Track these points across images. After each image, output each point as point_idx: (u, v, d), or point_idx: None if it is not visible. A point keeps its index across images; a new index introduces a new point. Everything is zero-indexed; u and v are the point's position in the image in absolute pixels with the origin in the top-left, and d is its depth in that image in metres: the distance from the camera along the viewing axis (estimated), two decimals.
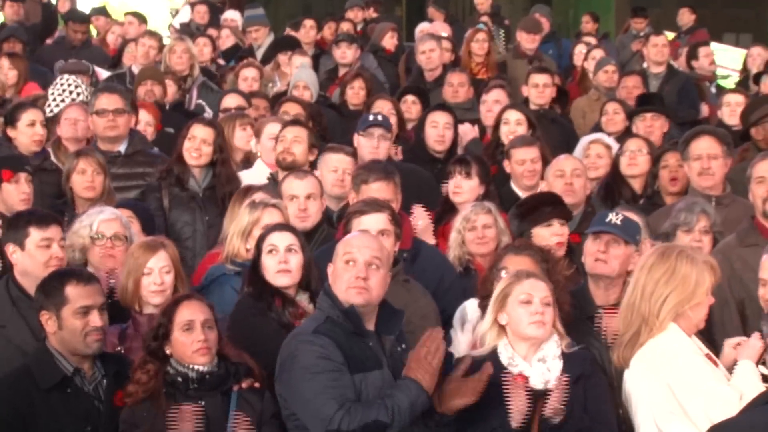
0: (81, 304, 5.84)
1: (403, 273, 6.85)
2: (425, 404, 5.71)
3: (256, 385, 5.94)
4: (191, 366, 5.84)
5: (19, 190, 7.80)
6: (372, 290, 5.84)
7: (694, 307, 5.92)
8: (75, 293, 5.85)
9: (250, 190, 8.01)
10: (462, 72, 12.22)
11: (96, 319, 5.87)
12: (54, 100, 10.66)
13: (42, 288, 5.99)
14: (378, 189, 7.57)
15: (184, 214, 8.53)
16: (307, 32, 16.35)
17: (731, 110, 11.10)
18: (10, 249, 6.68)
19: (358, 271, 5.82)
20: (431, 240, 7.96)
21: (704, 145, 8.49)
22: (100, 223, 7.12)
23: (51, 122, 10.10)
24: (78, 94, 10.67)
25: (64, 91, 10.69)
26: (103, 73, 13.30)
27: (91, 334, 5.86)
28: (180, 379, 5.81)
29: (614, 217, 6.67)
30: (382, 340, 5.94)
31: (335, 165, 8.43)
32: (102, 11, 18.80)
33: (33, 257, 6.61)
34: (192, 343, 5.82)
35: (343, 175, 8.27)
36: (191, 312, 5.87)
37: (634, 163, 9.48)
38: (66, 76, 11.30)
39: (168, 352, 5.86)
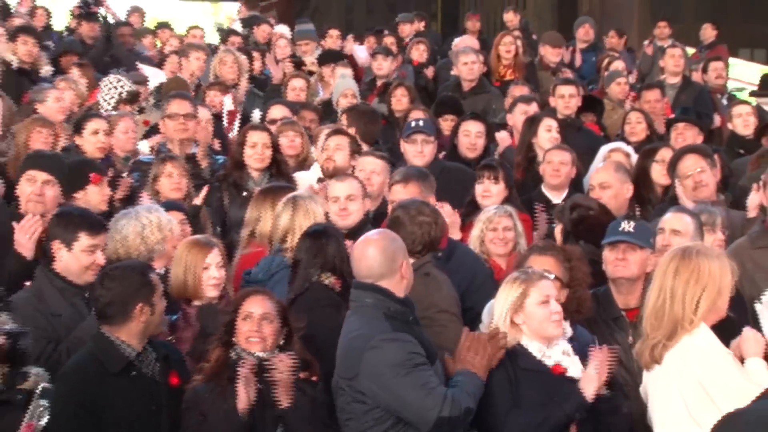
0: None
1: (429, 267, 6.83)
2: (482, 391, 5.80)
3: (314, 378, 5.98)
4: (253, 353, 5.91)
5: (101, 193, 7.95)
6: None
7: (723, 300, 5.89)
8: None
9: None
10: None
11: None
12: (104, 100, 10.84)
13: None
14: (400, 191, 7.70)
15: (242, 211, 8.45)
16: (334, 41, 16.63)
17: (744, 120, 11.03)
18: (56, 245, 6.70)
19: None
20: (457, 235, 7.96)
21: (690, 163, 8.57)
22: (172, 220, 7.30)
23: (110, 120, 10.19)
24: (122, 87, 10.94)
25: (110, 90, 10.91)
26: (154, 75, 13.29)
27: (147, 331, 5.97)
28: (240, 363, 5.87)
29: (627, 226, 6.79)
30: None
31: (363, 167, 8.58)
32: (166, 25, 18.99)
33: (77, 260, 6.67)
34: (247, 332, 5.93)
35: (371, 175, 8.39)
36: (252, 304, 5.99)
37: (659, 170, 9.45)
38: (109, 76, 11.49)
39: (234, 339, 5.96)
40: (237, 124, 11.56)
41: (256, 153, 9.06)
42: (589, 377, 5.80)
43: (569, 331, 6.09)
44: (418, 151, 9.26)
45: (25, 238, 7.06)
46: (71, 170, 7.95)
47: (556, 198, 8.89)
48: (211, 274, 6.76)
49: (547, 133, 10.02)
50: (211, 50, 14.59)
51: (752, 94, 13.97)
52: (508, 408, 5.87)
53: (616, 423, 5.88)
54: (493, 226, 7.80)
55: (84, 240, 6.63)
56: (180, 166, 8.55)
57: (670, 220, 7.22)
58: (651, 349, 5.80)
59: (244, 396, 5.69)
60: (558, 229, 7.60)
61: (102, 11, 16.73)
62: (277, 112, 11.26)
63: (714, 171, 8.56)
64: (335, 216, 7.65)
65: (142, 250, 6.97)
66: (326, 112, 12.28)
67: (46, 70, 13.31)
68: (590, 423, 5.85)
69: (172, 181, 8.44)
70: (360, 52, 16.68)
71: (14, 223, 7.19)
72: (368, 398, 5.73)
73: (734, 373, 5.68)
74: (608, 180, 8.35)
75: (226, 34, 17.99)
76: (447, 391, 5.63)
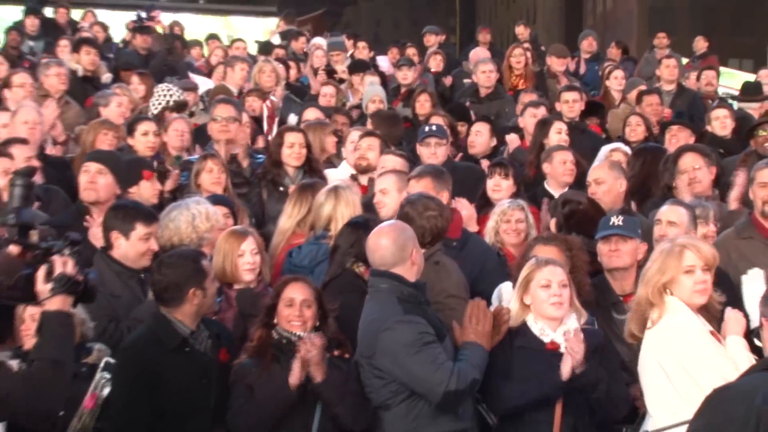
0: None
1: (439, 255, 6.81)
2: (487, 361, 5.82)
3: (346, 355, 6.01)
4: (293, 332, 5.96)
5: (153, 188, 7.97)
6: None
7: (679, 279, 5.90)
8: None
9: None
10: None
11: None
12: (153, 105, 10.91)
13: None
14: (414, 185, 7.61)
15: (279, 205, 8.49)
16: (360, 52, 16.67)
17: (721, 123, 11.03)
18: (115, 235, 6.75)
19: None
20: (474, 228, 7.97)
21: (688, 160, 8.56)
22: (216, 215, 7.28)
23: (159, 122, 10.25)
24: (171, 96, 10.87)
25: (160, 96, 10.93)
26: (202, 83, 13.35)
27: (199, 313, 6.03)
28: (284, 342, 5.95)
29: (616, 220, 6.86)
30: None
31: (385, 164, 8.55)
32: (215, 36, 19.16)
33: (134, 247, 6.72)
34: (289, 316, 5.99)
35: (388, 175, 8.14)
36: (293, 291, 6.06)
37: None
38: (162, 84, 11.55)
39: (275, 321, 6.02)
40: (275, 127, 11.58)
41: (293, 152, 9.07)
42: (565, 358, 5.82)
43: (584, 317, 6.11)
44: (432, 153, 9.26)
45: (98, 230, 7.10)
46: (126, 168, 7.99)
47: (559, 193, 8.78)
48: (245, 260, 6.80)
49: (557, 135, 9.99)
50: (253, 60, 14.60)
51: (733, 98, 13.92)
52: (498, 380, 5.95)
53: (597, 399, 5.87)
54: (506, 218, 7.77)
55: (140, 229, 6.70)
56: (219, 163, 8.56)
57: (666, 212, 7.24)
58: (633, 326, 5.92)
59: (298, 372, 5.72)
60: (552, 223, 7.59)
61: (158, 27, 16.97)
62: (311, 113, 11.35)
63: (711, 169, 8.54)
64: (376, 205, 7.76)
65: (193, 238, 6.97)
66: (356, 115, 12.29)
67: (106, 77, 13.41)
68: (575, 399, 5.87)
69: (212, 176, 8.42)
70: (383, 62, 16.81)
71: (88, 217, 7.27)
72: (385, 374, 5.80)
73: (709, 350, 5.72)
74: (602, 176, 8.34)
75: (264, 46, 18.04)
76: (454, 366, 5.66)
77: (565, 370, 5.78)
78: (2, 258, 4.63)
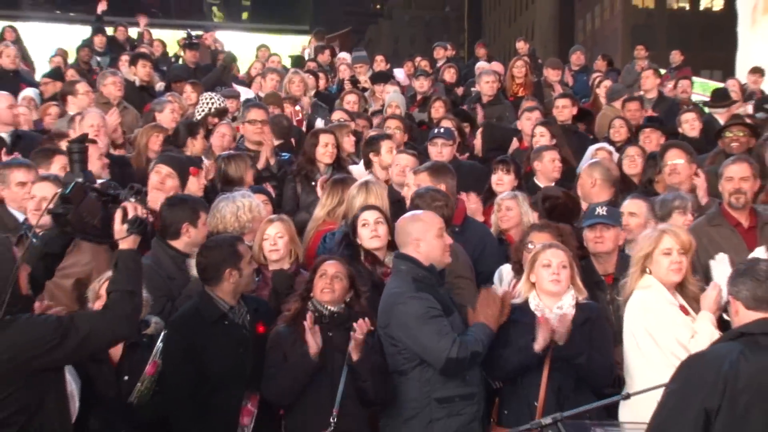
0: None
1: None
2: (492, 338, 5.83)
3: (371, 328, 5.92)
4: (325, 306, 5.94)
5: (199, 183, 7.93)
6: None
7: (657, 259, 6.03)
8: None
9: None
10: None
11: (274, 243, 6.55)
12: (198, 111, 10.91)
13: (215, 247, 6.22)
14: (418, 179, 7.62)
15: (311, 197, 8.52)
16: (378, 64, 16.62)
17: (690, 125, 11.02)
18: (185, 227, 6.70)
19: (447, 239, 6.06)
20: (480, 218, 7.94)
21: (672, 155, 8.53)
22: (260, 204, 7.32)
23: (201, 125, 10.24)
24: (214, 104, 10.85)
25: (203, 104, 10.92)
26: (244, 92, 13.36)
27: (238, 290, 6.09)
28: (316, 313, 5.90)
29: (601, 210, 6.87)
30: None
31: (399, 161, 8.51)
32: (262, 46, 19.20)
33: (201, 233, 6.70)
34: (321, 285, 5.98)
35: (404, 168, 8.25)
36: (328, 266, 6.06)
37: (633, 164, 9.49)
38: (207, 93, 11.52)
39: (311, 294, 6.00)
40: (303, 129, 11.60)
41: (327, 151, 9.05)
42: (539, 332, 5.78)
43: (583, 294, 6.10)
44: (438, 152, 9.22)
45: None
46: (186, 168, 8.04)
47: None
48: (269, 243, 6.83)
49: (544, 138, 10.00)
50: (285, 71, 14.65)
51: (705, 104, 13.92)
52: (492, 350, 5.95)
53: (579, 367, 5.83)
54: (500, 207, 7.78)
55: (204, 217, 6.75)
56: (245, 160, 8.58)
57: (627, 205, 7.35)
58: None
59: (312, 343, 5.70)
60: (535, 216, 7.57)
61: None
62: (336, 115, 11.49)
63: (691, 165, 8.49)
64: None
65: (236, 227, 6.97)
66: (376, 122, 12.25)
67: (159, 86, 13.51)
68: (561, 366, 5.85)
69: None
70: (399, 74, 16.78)
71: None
72: (398, 342, 5.81)
73: (673, 319, 5.82)
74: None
75: (297, 59, 18.07)
76: (457, 337, 5.66)
77: (539, 343, 5.76)
78: (89, 202, 4.80)
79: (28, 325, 4.50)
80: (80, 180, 4.87)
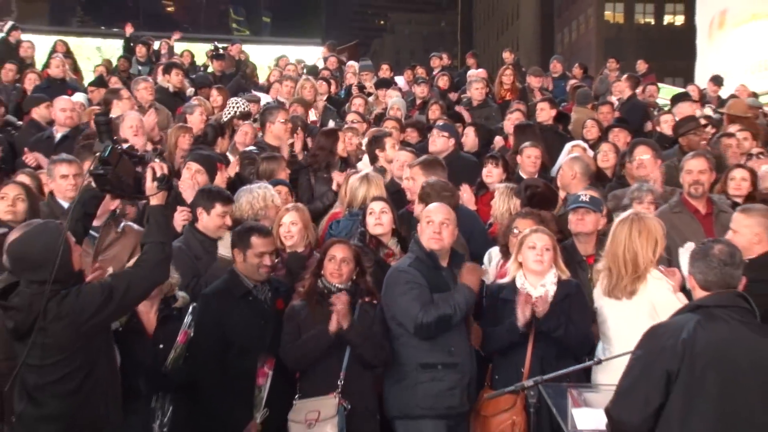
0: (259, 250, 6.03)
1: None
2: (474, 299, 5.86)
3: (374, 301, 5.98)
4: (332, 283, 5.92)
5: (223, 177, 7.94)
6: (444, 240, 6.01)
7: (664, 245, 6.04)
8: (256, 241, 6.04)
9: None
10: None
11: (266, 261, 6.05)
12: (225, 114, 10.91)
13: (237, 237, 6.18)
14: (407, 171, 7.70)
15: (323, 186, 8.52)
16: (384, 72, 16.68)
17: (669, 125, 11.00)
18: (199, 210, 6.78)
19: (435, 227, 5.97)
20: (473, 207, 7.90)
21: (640, 151, 8.49)
22: (275, 194, 7.29)
23: (226, 127, 10.34)
24: (239, 108, 10.86)
25: (230, 107, 10.92)
26: (263, 97, 13.36)
27: (262, 270, 6.04)
28: (325, 291, 5.90)
29: (584, 197, 6.82)
30: (453, 272, 6.02)
31: (398, 158, 8.49)
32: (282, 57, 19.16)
33: (213, 221, 6.74)
34: (331, 269, 5.96)
35: (404, 164, 8.17)
36: (336, 250, 6.02)
37: (606, 159, 9.48)
38: (233, 98, 11.55)
39: (322, 273, 5.98)
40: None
41: (344, 147, 9.13)
42: (520, 310, 5.79)
43: (566, 274, 6.09)
44: (432, 141, 9.36)
45: (181, 217, 7.09)
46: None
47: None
48: (283, 229, 6.84)
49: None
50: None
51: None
52: (485, 326, 6.04)
53: (558, 338, 5.81)
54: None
55: (218, 208, 6.74)
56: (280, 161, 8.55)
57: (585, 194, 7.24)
58: (627, 286, 5.87)
59: (335, 322, 5.69)
60: (518, 203, 7.55)
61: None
62: (350, 117, 11.60)
63: (657, 160, 8.47)
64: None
65: (250, 214, 7.00)
66: (379, 122, 12.22)
67: (190, 91, 13.46)
68: (543, 337, 5.85)
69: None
70: (399, 81, 16.76)
71: (179, 207, 7.18)
72: (389, 309, 5.88)
73: (675, 298, 5.73)
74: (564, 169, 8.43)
75: (311, 68, 18.05)
76: (428, 303, 5.72)
77: (520, 320, 5.77)
78: (123, 163, 4.86)
79: (80, 294, 4.62)
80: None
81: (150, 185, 4.93)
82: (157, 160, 5.01)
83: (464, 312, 5.77)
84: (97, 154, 4.84)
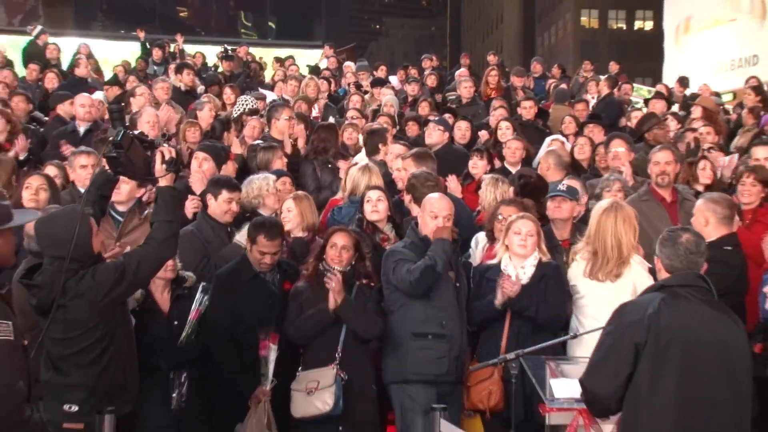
0: (261, 249, 5.99)
1: None
2: (449, 247, 5.87)
3: (372, 284, 5.98)
4: (332, 267, 5.89)
5: (231, 167, 8.00)
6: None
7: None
8: (262, 241, 5.98)
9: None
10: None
11: (266, 260, 6.00)
12: (235, 111, 10.97)
13: (250, 228, 6.15)
14: (399, 162, 7.71)
15: (329, 176, 8.51)
16: (380, 72, 16.63)
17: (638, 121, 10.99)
18: (209, 197, 6.76)
19: (439, 222, 5.99)
20: (459, 195, 7.81)
21: (616, 143, 8.53)
22: (278, 182, 7.28)
23: (236, 122, 10.36)
24: (248, 105, 10.93)
25: (240, 105, 11.02)
26: (269, 95, 13.34)
27: (263, 265, 6.01)
28: (326, 273, 5.85)
29: (562, 186, 6.81)
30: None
31: (392, 150, 8.46)
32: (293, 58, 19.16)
33: (220, 207, 6.72)
34: (332, 256, 5.93)
35: (396, 155, 8.16)
36: (337, 238, 5.97)
37: (582, 152, 9.49)
38: (243, 95, 11.66)
39: (324, 257, 5.96)
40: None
41: (351, 139, 9.24)
42: (498, 290, 5.83)
43: (546, 256, 6.08)
44: (429, 133, 9.37)
45: (192, 204, 7.12)
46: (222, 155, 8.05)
47: (514, 171, 8.74)
48: (284, 215, 6.78)
49: (508, 131, 9.99)
50: (302, 77, 14.68)
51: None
52: (469, 302, 6.05)
53: (531, 316, 5.84)
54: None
55: (225, 194, 6.71)
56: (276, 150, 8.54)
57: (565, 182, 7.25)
58: (613, 270, 5.86)
59: (332, 300, 5.69)
60: (511, 191, 7.56)
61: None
62: (351, 113, 11.48)
63: (630, 152, 8.50)
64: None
65: (246, 201, 7.01)
66: (374, 117, 12.20)
67: (200, 89, 13.45)
68: (519, 315, 5.87)
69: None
70: (393, 80, 16.72)
71: (190, 196, 7.22)
72: (389, 285, 5.92)
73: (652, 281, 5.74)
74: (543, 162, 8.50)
75: (314, 68, 18.03)
76: (413, 266, 5.74)
77: (498, 299, 5.81)
78: (135, 147, 4.82)
79: (95, 273, 4.68)
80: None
81: (159, 167, 4.91)
82: (165, 144, 5.00)
83: (443, 259, 5.76)
84: (110, 138, 4.86)
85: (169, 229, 4.89)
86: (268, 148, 8.44)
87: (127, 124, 5.30)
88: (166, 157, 4.91)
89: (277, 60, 19.22)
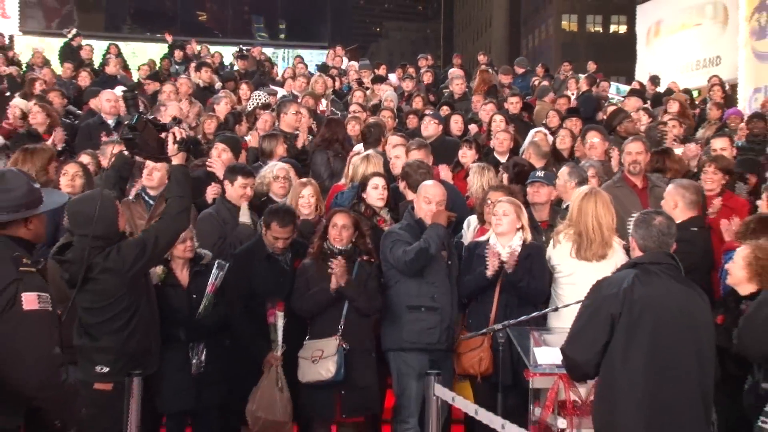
0: (274, 235, 5.97)
1: None
2: (444, 232, 5.88)
3: (372, 260, 5.94)
4: (335, 246, 5.87)
5: (243, 156, 7.96)
6: None
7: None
8: (275, 227, 5.95)
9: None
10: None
11: (279, 244, 5.98)
12: (249, 105, 10.85)
13: (265, 215, 6.12)
14: (407, 154, 7.58)
15: (340, 164, 8.37)
16: (381, 70, 16.60)
17: None
18: (226, 182, 6.72)
19: (432, 207, 5.99)
20: (451, 182, 7.78)
21: (591, 135, 8.50)
22: (277, 170, 7.15)
23: (249, 116, 10.29)
24: (261, 100, 10.82)
25: (254, 100, 10.89)
26: (280, 91, 13.28)
27: (276, 249, 6.00)
28: (329, 252, 5.84)
29: (540, 173, 6.78)
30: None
31: (390, 141, 8.36)
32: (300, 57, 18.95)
33: (235, 191, 6.66)
34: (334, 234, 5.89)
35: (395, 144, 8.06)
36: (338, 218, 5.93)
37: (564, 142, 9.44)
38: (257, 91, 11.55)
39: (327, 237, 5.92)
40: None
41: (354, 131, 9.22)
42: (489, 263, 5.77)
43: (529, 238, 6.01)
44: (425, 126, 9.34)
45: (212, 191, 7.08)
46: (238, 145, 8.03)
47: (502, 159, 8.76)
48: (304, 201, 6.73)
49: (501, 123, 9.99)
50: (310, 75, 14.63)
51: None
52: (460, 275, 6.00)
53: (520, 289, 5.81)
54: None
55: (240, 180, 6.66)
56: (284, 141, 8.48)
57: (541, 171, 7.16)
58: (598, 250, 5.80)
59: (335, 281, 5.67)
60: (505, 177, 7.53)
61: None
62: (353, 107, 11.36)
63: (605, 143, 8.46)
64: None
65: (258, 187, 6.98)
66: (374, 111, 12.14)
67: (218, 86, 13.39)
68: (508, 287, 5.84)
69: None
70: (392, 78, 16.65)
71: (214, 184, 7.17)
72: (387, 263, 5.91)
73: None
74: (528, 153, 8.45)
75: (322, 66, 17.96)
76: (408, 248, 5.74)
77: (489, 269, 5.75)
78: (149, 129, 4.81)
79: (121, 248, 4.73)
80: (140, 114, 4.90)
81: (171, 147, 4.88)
82: (177, 126, 4.97)
83: (437, 243, 5.76)
84: (126, 122, 4.84)
85: (181, 204, 4.88)
86: (272, 136, 8.39)
87: (142, 110, 5.25)
88: (178, 138, 4.89)
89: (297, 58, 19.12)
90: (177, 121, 5.10)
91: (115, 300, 4.74)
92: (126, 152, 5.01)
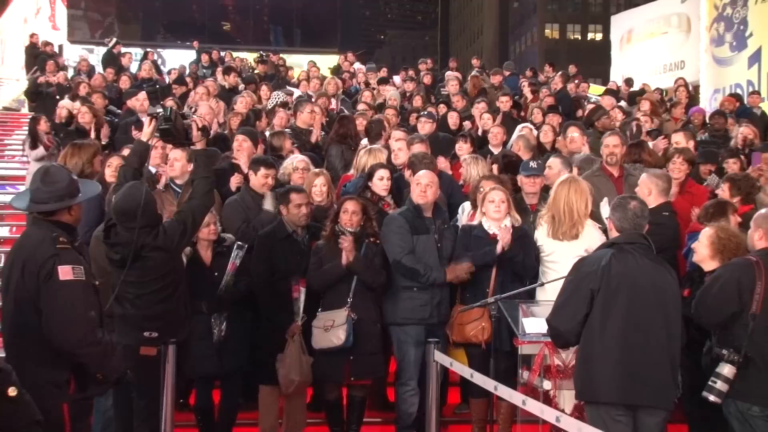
0: (296, 203, 5.94)
1: None
2: (444, 281, 5.77)
3: (377, 241, 5.88)
4: (346, 228, 5.80)
5: (260, 149, 7.86)
6: (428, 197, 5.93)
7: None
8: (294, 197, 5.94)
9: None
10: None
11: (303, 210, 5.94)
12: (269, 104, 10.91)
13: (281, 194, 6.11)
14: (412, 148, 7.51)
15: (353, 155, 8.17)
16: (383, 73, 16.52)
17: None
18: (250, 173, 6.62)
19: (422, 188, 5.92)
20: (449, 172, 7.75)
21: (571, 130, 8.40)
22: (297, 162, 7.10)
23: (270, 113, 10.21)
24: (280, 99, 10.85)
25: (273, 99, 11.03)
26: (296, 91, 13.24)
27: (301, 218, 5.95)
28: (341, 234, 5.78)
29: (533, 164, 6.60)
30: (436, 221, 5.94)
31: (393, 136, 8.24)
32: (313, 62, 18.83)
33: (258, 181, 6.54)
34: (344, 219, 5.83)
35: (398, 141, 7.89)
36: (348, 204, 5.87)
37: (546, 136, 9.36)
38: (275, 92, 11.59)
39: (338, 221, 5.86)
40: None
41: (361, 126, 9.11)
42: (498, 240, 5.71)
43: (518, 221, 5.93)
44: (422, 126, 9.21)
45: (235, 180, 7.01)
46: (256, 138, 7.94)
47: (496, 151, 8.66)
48: (317, 190, 6.65)
49: (489, 121, 9.97)
50: (323, 77, 14.58)
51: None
52: (460, 256, 5.86)
53: (516, 265, 5.75)
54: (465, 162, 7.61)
55: (263, 171, 6.59)
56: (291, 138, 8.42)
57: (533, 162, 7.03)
58: (567, 231, 5.74)
59: (345, 257, 5.65)
60: (495, 168, 7.48)
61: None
62: (361, 106, 11.35)
63: (583, 138, 8.37)
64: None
65: (280, 177, 6.90)
66: (380, 109, 12.05)
67: (241, 87, 13.33)
68: (504, 265, 5.76)
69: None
70: (396, 79, 16.54)
71: (237, 174, 7.07)
72: (385, 243, 5.85)
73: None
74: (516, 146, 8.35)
75: (336, 68, 17.90)
76: (408, 254, 5.65)
77: (498, 247, 5.67)
78: (178, 120, 4.95)
79: (166, 230, 4.82)
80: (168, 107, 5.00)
81: (195, 134, 5.01)
82: (197, 115, 5.08)
83: (431, 282, 5.69)
84: (160, 114, 4.92)
85: (207, 183, 4.99)
86: (279, 134, 8.32)
87: (161, 102, 5.36)
88: (200, 125, 5.00)
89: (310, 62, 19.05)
90: (193, 110, 5.19)
91: (164, 273, 4.81)
92: (161, 140, 5.15)
